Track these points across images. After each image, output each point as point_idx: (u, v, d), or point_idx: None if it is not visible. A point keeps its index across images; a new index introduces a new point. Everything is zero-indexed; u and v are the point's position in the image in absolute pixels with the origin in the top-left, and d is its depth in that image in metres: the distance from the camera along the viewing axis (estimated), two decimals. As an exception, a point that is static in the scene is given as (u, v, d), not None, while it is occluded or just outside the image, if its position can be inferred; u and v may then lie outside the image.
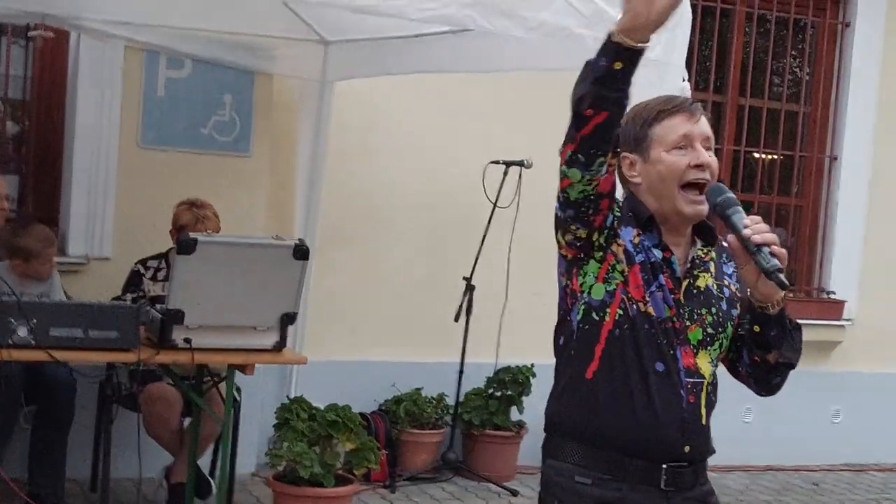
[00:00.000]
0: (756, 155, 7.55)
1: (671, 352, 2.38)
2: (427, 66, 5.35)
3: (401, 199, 6.34)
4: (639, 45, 2.11)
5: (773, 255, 2.25)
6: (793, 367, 2.47)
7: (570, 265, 2.41)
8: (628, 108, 2.28)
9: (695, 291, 2.43)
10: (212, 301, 4.30)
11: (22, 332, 4.05)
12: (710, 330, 2.43)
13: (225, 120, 5.94)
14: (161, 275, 5.16)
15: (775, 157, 7.54)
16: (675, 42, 3.86)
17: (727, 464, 6.75)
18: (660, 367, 2.37)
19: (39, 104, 5.96)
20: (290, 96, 6.09)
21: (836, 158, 7.42)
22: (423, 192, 6.38)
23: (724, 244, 2.48)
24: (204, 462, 5.24)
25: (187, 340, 4.29)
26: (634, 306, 2.36)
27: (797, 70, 7.71)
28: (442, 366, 6.19)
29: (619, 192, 2.44)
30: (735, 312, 2.48)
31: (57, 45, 5.80)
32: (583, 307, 2.39)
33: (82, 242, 5.69)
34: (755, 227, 2.28)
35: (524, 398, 6.29)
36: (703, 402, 2.42)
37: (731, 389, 2.65)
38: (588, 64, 2.17)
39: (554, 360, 2.51)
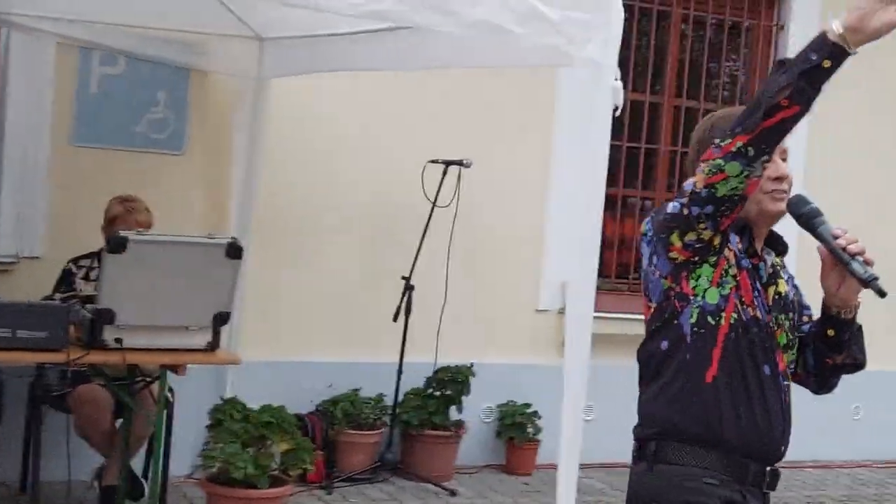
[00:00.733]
0: (693, 155, 7.60)
1: (772, 356, 2.47)
2: (362, 65, 5.32)
3: (339, 198, 6.30)
4: (853, 49, 2.16)
5: (866, 262, 2.35)
6: (862, 367, 2.59)
7: (680, 268, 2.43)
8: (709, 116, 2.46)
9: (776, 297, 2.53)
10: (143, 300, 4.26)
11: (-52, 331, 3.97)
12: (790, 335, 2.54)
13: (159, 117, 5.88)
14: (93, 274, 5.09)
15: (712, 157, 7.60)
16: (609, 42, 3.86)
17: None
18: (767, 370, 2.46)
19: (-31, 101, 5.85)
20: (225, 94, 6.03)
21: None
22: (361, 191, 6.34)
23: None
24: (138, 464, 5.18)
25: (118, 340, 4.23)
26: (747, 310, 2.43)
27: (735, 72, 7.79)
28: (380, 366, 6.16)
29: None
30: (796, 318, 2.60)
31: (-14, 40, 5.70)
32: (696, 311, 2.43)
33: (12, 241, 5.60)
34: (847, 238, 2.37)
35: (463, 398, 6.29)
36: (790, 404, 2.53)
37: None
38: (786, 61, 2.21)
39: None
